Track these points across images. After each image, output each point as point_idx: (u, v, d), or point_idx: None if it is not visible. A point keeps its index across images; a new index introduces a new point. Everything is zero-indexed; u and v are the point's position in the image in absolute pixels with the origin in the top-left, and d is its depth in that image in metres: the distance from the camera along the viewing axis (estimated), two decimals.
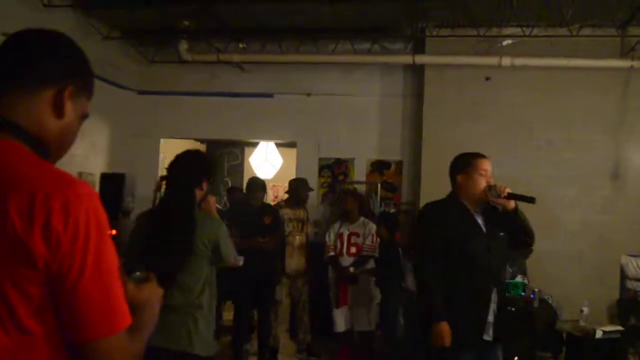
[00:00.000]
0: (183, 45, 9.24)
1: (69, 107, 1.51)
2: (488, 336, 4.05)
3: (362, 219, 7.86)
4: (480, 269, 4.09)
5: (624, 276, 8.35)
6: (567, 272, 8.21)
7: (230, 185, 11.62)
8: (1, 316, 1.31)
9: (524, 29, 8.40)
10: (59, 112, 1.49)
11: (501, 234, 4.33)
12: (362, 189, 9.32)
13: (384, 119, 9.52)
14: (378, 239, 7.69)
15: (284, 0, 8.06)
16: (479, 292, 4.08)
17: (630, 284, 8.28)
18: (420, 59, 8.95)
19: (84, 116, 1.60)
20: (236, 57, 9.43)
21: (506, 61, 8.54)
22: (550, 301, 7.28)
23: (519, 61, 8.55)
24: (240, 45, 9.59)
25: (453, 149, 8.64)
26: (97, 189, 8.75)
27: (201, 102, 9.91)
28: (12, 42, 1.51)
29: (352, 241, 7.70)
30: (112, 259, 1.39)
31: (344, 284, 7.65)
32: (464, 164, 4.58)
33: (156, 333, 3.24)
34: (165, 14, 8.60)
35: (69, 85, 1.50)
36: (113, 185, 8.50)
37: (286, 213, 7.85)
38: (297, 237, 7.85)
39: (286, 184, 8.12)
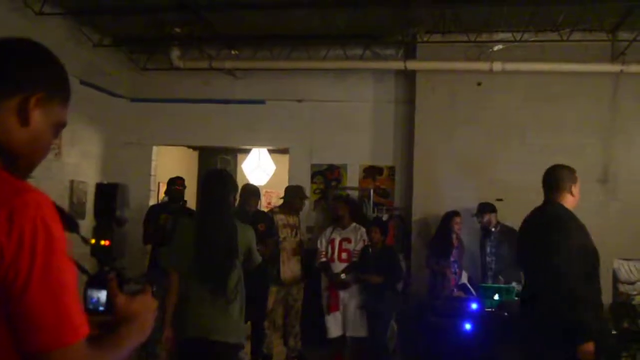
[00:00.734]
0: (175, 53, 9.24)
1: (37, 116, 1.48)
2: None
3: (353, 224, 7.88)
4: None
5: (616, 280, 8.36)
6: None
7: None
8: None
9: (515, 34, 8.44)
10: (24, 120, 1.46)
11: None
12: (355, 194, 9.34)
13: (376, 124, 9.54)
14: (365, 243, 7.69)
15: (276, 7, 8.06)
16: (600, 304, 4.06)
17: (623, 288, 8.30)
18: (411, 64, 8.97)
19: (59, 125, 1.56)
20: (228, 64, 9.43)
21: (497, 66, 8.56)
22: None
23: (510, 66, 8.58)
24: (233, 52, 9.58)
25: (445, 154, 8.79)
26: (89, 197, 8.73)
27: (193, 109, 9.90)
28: None
29: (344, 247, 7.72)
30: (64, 269, 1.35)
31: (336, 289, 7.65)
32: (574, 177, 4.74)
33: (197, 325, 3.95)
34: (156, 21, 8.60)
35: (36, 93, 1.47)
36: (107, 196, 8.49)
37: (280, 219, 7.86)
38: (292, 243, 7.85)
39: (279, 191, 8.14)
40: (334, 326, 7.69)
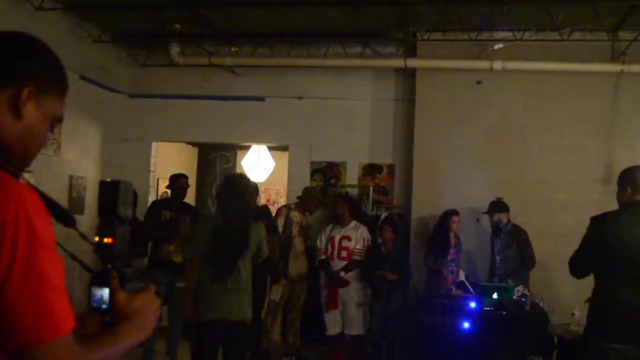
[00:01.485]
0: (175, 49, 9.22)
1: (31, 109, 1.47)
2: None
3: (353, 222, 7.89)
4: None
5: None
6: (558, 276, 8.20)
7: None
8: None
9: (515, 33, 8.42)
10: (16, 112, 1.45)
11: None
12: (354, 192, 9.33)
13: (375, 122, 9.53)
14: (369, 243, 7.72)
15: (276, 4, 8.05)
16: None
17: None
18: (412, 62, 8.96)
19: (55, 118, 1.56)
20: (228, 61, 9.42)
21: (497, 65, 8.55)
22: (541, 304, 7.30)
23: (510, 65, 8.57)
24: (232, 49, 9.57)
25: (444, 152, 8.79)
26: (88, 192, 8.72)
27: (193, 105, 9.89)
28: None
29: (344, 245, 7.73)
30: (48, 264, 1.32)
31: (335, 287, 7.66)
32: None
33: (218, 308, 4.90)
34: (156, 18, 8.59)
35: (28, 86, 1.46)
36: (110, 193, 8.46)
37: (295, 216, 7.93)
38: (302, 242, 7.90)
39: (278, 187, 8.13)
40: (332, 324, 7.70)
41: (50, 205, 1.42)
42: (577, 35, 8.28)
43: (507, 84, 8.74)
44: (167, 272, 7.31)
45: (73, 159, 8.56)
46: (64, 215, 1.49)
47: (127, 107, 9.95)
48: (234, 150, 12.81)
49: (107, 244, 1.67)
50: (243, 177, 5.76)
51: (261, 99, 9.78)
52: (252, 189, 7.11)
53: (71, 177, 8.55)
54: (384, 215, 8.73)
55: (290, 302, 7.90)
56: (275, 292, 7.67)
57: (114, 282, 1.55)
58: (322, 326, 7.75)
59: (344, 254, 7.70)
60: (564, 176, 8.54)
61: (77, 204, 8.48)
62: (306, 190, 8.25)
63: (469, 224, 8.19)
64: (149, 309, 1.58)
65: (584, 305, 7.00)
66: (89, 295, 1.56)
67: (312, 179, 9.55)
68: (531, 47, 8.48)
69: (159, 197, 9.98)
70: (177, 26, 8.71)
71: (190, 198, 9.72)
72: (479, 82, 8.79)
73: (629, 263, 4.24)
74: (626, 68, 8.31)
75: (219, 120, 9.83)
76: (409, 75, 9.25)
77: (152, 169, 10.08)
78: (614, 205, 8.44)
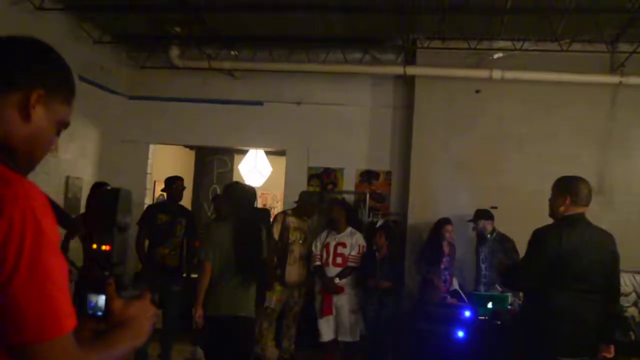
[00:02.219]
0: (174, 52, 9.23)
1: (39, 112, 1.50)
2: None
3: (349, 229, 7.87)
4: None
5: None
6: None
7: (218, 192, 11.60)
8: None
9: (515, 42, 8.45)
10: (25, 115, 1.47)
11: None
12: (350, 198, 9.33)
13: (373, 129, 9.54)
14: (364, 249, 7.72)
15: (276, 9, 8.06)
16: None
17: None
18: (411, 70, 8.97)
19: (62, 123, 1.58)
20: (227, 65, 9.43)
21: (497, 74, 8.57)
22: None
23: (510, 74, 8.58)
24: (232, 53, 9.58)
25: (442, 160, 8.79)
26: (84, 194, 8.70)
27: (191, 108, 9.89)
28: None
29: (339, 251, 7.71)
30: (53, 263, 1.34)
31: (329, 294, 7.65)
32: None
33: (230, 304, 5.37)
34: (157, 20, 8.60)
35: (37, 89, 1.48)
36: (109, 201, 8.44)
37: (292, 221, 7.90)
38: (299, 248, 7.86)
39: (275, 192, 8.10)
40: (326, 330, 7.68)
41: (53, 207, 1.43)
42: (576, 46, 8.30)
43: (506, 93, 8.75)
44: (162, 276, 7.30)
45: (70, 159, 8.55)
46: (63, 217, 1.49)
47: (126, 108, 9.95)
48: (231, 154, 12.81)
49: (104, 251, 1.68)
50: (245, 185, 6.40)
51: (259, 103, 9.78)
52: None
53: (67, 177, 8.53)
54: (380, 222, 8.73)
55: (287, 307, 7.89)
56: (269, 299, 7.65)
57: (111, 289, 1.55)
58: (315, 332, 7.73)
59: (339, 260, 7.69)
60: None
61: (72, 204, 8.46)
62: (303, 194, 8.22)
63: (465, 232, 8.18)
64: (144, 316, 1.59)
65: None
66: (83, 301, 1.57)
67: (309, 185, 9.55)
68: (530, 57, 8.50)
69: (155, 200, 9.96)
70: (177, 29, 8.71)
71: (186, 201, 9.71)
72: (477, 91, 8.80)
73: (580, 278, 4.30)
74: (624, 80, 8.34)
75: (217, 124, 9.83)
76: (407, 83, 9.26)
77: (149, 171, 10.07)
78: (609, 216, 8.51)
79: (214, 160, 12.87)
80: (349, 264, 7.64)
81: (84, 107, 8.29)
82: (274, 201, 12.93)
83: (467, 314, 6.81)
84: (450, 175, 8.69)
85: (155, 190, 10.33)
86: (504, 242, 7.70)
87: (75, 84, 1.62)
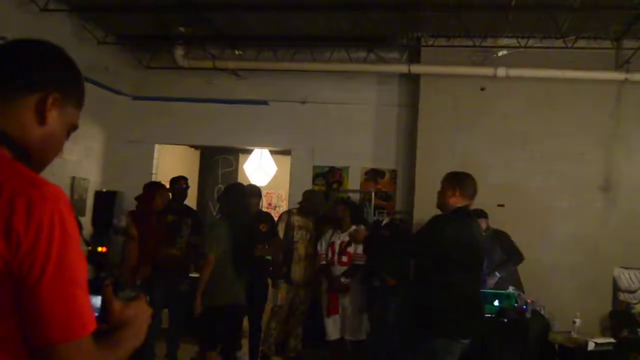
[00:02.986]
0: (179, 51, 9.23)
1: (54, 115, 1.53)
2: None
3: (353, 227, 7.85)
4: None
5: (616, 288, 8.36)
6: (559, 284, 8.22)
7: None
8: None
9: (520, 40, 8.43)
10: (41, 118, 1.50)
11: None
12: (356, 197, 9.33)
13: (378, 127, 9.53)
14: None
15: (280, 8, 8.06)
16: None
17: (623, 296, 8.30)
18: (415, 68, 8.96)
19: (72, 127, 1.62)
20: (232, 64, 9.43)
21: (501, 72, 8.55)
22: (542, 312, 7.29)
23: (514, 72, 8.56)
24: (236, 52, 9.58)
25: (447, 158, 8.77)
26: (90, 194, 8.72)
27: (196, 108, 9.90)
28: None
29: (344, 250, 7.70)
30: (78, 264, 1.36)
31: (335, 293, 7.64)
32: None
33: (232, 294, 6.03)
34: (160, 20, 8.61)
35: (53, 93, 1.51)
36: (106, 203, 8.47)
37: (297, 220, 7.90)
38: (305, 247, 7.87)
39: (280, 192, 8.11)
40: (333, 329, 7.68)
41: None
42: (581, 43, 8.29)
43: (511, 91, 8.73)
44: (169, 275, 7.31)
45: (76, 160, 8.57)
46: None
47: (131, 109, 9.96)
48: (236, 153, 12.82)
49: (101, 252, 1.68)
50: (242, 186, 7.03)
51: (264, 102, 9.79)
52: (255, 193, 7.31)
53: (73, 178, 8.55)
54: (385, 220, 8.72)
55: (293, 306, 7.89)
56: (276, 297, 7.67)
57: (108, 290, 1.56)
58: (322, 331, 7.73)
59: (344, 259, 7.68)
60: (565, 184, 8.54)
61: (78, 205, 8.47)
62: (307, 193, 8.20)
63: None
64: (142, 317, 1.61)
65: (585, 314, 7.03)
66: None
67: (314, 184, 9.55)
68: (535, 54, 8.48)
69: None
70: (182, 29, 8.72)
71: (191, 201, 9.72)
72: (482, 89, 8.78)
73: (469, 264, 4.71)
74: (630, 77, 8.31)
75: (222, 124, 9.84)
76: (412, 81, 9.25)
77: (154, 171, 10.07)
78: (615, 214, 8.52)
79: (219, 160, 12.89)
80: (355, 262, 7.63)
81: (89, 107, 8.10)
82: (279, 200, 12.94)
83: None
84: None
85: None
86: (499, 236, 7.73)
87: (84, 88, 1.65)
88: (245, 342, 7.75)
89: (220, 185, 12.50)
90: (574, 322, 6.68)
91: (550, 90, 8.68)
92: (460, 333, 4.62)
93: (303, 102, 9.63)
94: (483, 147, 8.70)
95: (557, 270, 8.28)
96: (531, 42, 8.42)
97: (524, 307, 6.89)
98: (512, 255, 7.62)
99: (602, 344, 6.46)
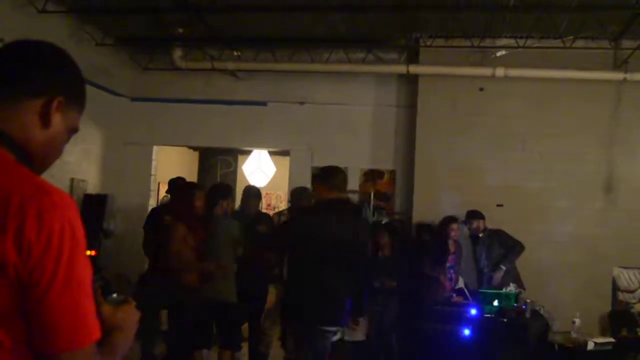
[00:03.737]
0: (177, 53, 9.22)
1: (58, 119, 1.52)
2: None
3: None
4: None
5: (615, 288, 8.36)
6: (559, 284, 8.22)
7: None
8: None
9: (518, 40, 8.43)
10: (45, 122, 1.49)
11: None
12: (355, 198, 9.31)
13: (377, 128, 9.53)
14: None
15: (278, 9, 8.06)
16: None
17: (622, 296, 8.30)
18: (414, 69, 8.96)
19: (73, 130, 1.60)
20: (230, 65, 9.43)
21: (500, 72, 8.55)
22: (542, 312, 7.29)
23: (513, 72, 8.57)
24: (235, 53, 9.58)
25: (446, 158, 8.77)
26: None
27: (195, 109, 9.89)
28: (4, 52, 1.52)
29: None
30: (85, 272, 1.36)
31: None
32: None
33: (218, 292, 6.13)
34: (159, 22, 8.60)
35: (58, 97, 1.50)
36: (95, 207, 8.46)
37: None
38: None
39: (279, 192, 8.08)
40: None
41: None
42: (579, 43, 8.29)
43: (509, 91, 8.73)
44: (169, 278, 7.28)
45: (74, 161, 8.56)
46: None
47: (129, 110, 9.95)
48: (235, 154, 12.82)
49: (90, 256, 1.67)
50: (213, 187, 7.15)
51: (263, 103, 9.78)
52: (255, 194, 7.29)
53: (72, 180, 8.54)
54: (384, 221, 8.71)
55: None
56: (268, 299, 7.64)
57: (98, 294, 1.56)
58: None
59: None
60: (564, 184, 8.54)
61: (77, 207, 8.46)
62: (293, 192, 8.10)
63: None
64: (131, 321, 1.60)
65: (584, 313, 7.03)
66: None
67: (313, 184, 9.52)
68: (534, 55, 8.48)
69: (159, 201, 9.96)
70: (180, 30, 8.70)
71: None
72: (481, 89, 8.78)
73: (331, 256, 4.83)
74: (628, 76, 8.31)
75: (221, 125, 9.83)
76: (411, 82, 9.25)
77: (153, 172, 10.07)
78: (614, 213, 8.52)
79: (217, 161, 12.88)
80: None
81: (88, 109, 8.07)
82: (278, 201, 12.93)
83: (473, 312, 6.79)
84: (454, 173, 8.68)
85: (159, 192, 10.34)
86: (496, 235, 7.76)
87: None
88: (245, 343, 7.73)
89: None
90: (574, 322, 6.68)
91: (549, 90, 8.68)
92: (324, 322, 4.86)
93: (301, 103, 9.63)
94: (482, 148, 8.70)
95: (556, 270, 8.28)
96: (529, 42, 8.42)
97: (524, 307, 6.89)
98: (512, 247, 7.67)
99: (601, 344, 6.45)
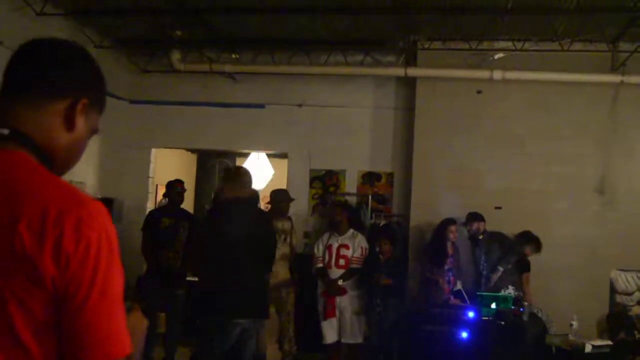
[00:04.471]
0: (175, 55, 9.22)
1: (81, 121, 1.48)
2: None
3: (351, 230, 7.85)
4: None
5: (613, 291, 8.37)
6: (557, 286, 8.22)
7: None
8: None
9: (516, 42, 8.45)
10: (70, 125, 1.46)
11: None
12: (353, 200, 9.32)
13: (375, 131, 9.53)
14: (367, 251, 7.69)
15: (277, 11, 8.06)
16: None
17: (620, 299, 8.31)
18: (412, 71, 8.97)
19: (94, 131, 1.57)
20: (228, 68, 9.43)
21: (498, 75, 8.56)
22: (540, 315, 7.30)
23: (511, 75, 8.58)
24: (233, 56, 9.59)
25: (444, 161, 8.78)
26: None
27: (193, 112, 9.89)
28: (25, 52, 1.47)
29: (341, 253, 7.69)
30: (119, 283, 1.35)
31: (332, 296, 7.63)
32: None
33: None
34: (157, 24, 8.60)
35: (82, 99, 1.47)
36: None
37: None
38: (281, 248, 7.77)
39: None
40: (329, 332, 7.66)
41: None
42: (577, 45, 8.31)
43: (507, 94, 8.74)
44: (166, 280, 7.29)
45: None
46: None
47: (127, 113, 9.93)
48: (233, 157, 12.80)
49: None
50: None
51: (261, 106, 9.78)
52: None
53: (70, 182, 8.50)
54: (382, 223, 8.72)
55: (277, 307, 7.79)
56: None
57: None
58: (319, 334, 7.71)
59: (341, 262, 7.67)
60: (562, 186, 8.55)
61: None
62: (272, 194, 8.05)
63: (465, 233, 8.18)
64: (140, 328, 1.60)
65: (582, 316, 7.03)
66: None
67: (311, 187, 9.55)
68: (531, 57, 8.50)
69: (157, 204, 9.96)
70: (178, 32, 8.72)
71: (188, 204, 9.69)
72: (479, 92, 8.79)
73: (239, 251, 5.09)
74: (626, 79, 8.33)
75: (219, 127, 9.83)
76: (409, 84, 9.26)
77: (151, 175, 10.07)
78: (612, 216, 8.53)
79: (215, 164, 12.87)
80: (352, 265, 7.62)
81: None
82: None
83: (471, 314, 6.80)
84: (453, 175, 8.68)
85: (158, 194, 10.33)
86: (495, 237, 7.77)
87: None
88: None
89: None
90: (571, 325, 6.68)
91: (547, 93, 8.69)
92: (233, 314, 5.05)
93: (300, 106, 9.64)
94: (480, 150, 8.71)
95: (554, 272, 8.28)
96: (527, 45, 8.44)
97: (521, 309, 6.90)
98: (510, 248, 7.69)
99: (599, 346, 6.46)
